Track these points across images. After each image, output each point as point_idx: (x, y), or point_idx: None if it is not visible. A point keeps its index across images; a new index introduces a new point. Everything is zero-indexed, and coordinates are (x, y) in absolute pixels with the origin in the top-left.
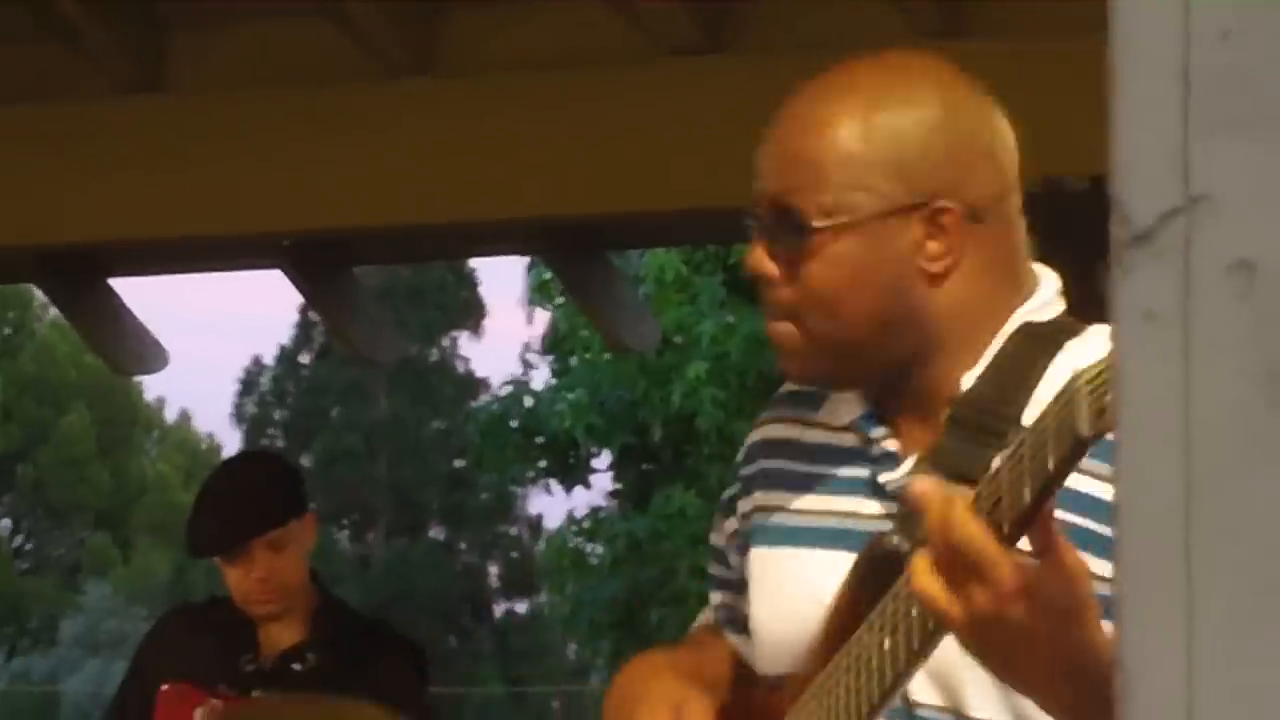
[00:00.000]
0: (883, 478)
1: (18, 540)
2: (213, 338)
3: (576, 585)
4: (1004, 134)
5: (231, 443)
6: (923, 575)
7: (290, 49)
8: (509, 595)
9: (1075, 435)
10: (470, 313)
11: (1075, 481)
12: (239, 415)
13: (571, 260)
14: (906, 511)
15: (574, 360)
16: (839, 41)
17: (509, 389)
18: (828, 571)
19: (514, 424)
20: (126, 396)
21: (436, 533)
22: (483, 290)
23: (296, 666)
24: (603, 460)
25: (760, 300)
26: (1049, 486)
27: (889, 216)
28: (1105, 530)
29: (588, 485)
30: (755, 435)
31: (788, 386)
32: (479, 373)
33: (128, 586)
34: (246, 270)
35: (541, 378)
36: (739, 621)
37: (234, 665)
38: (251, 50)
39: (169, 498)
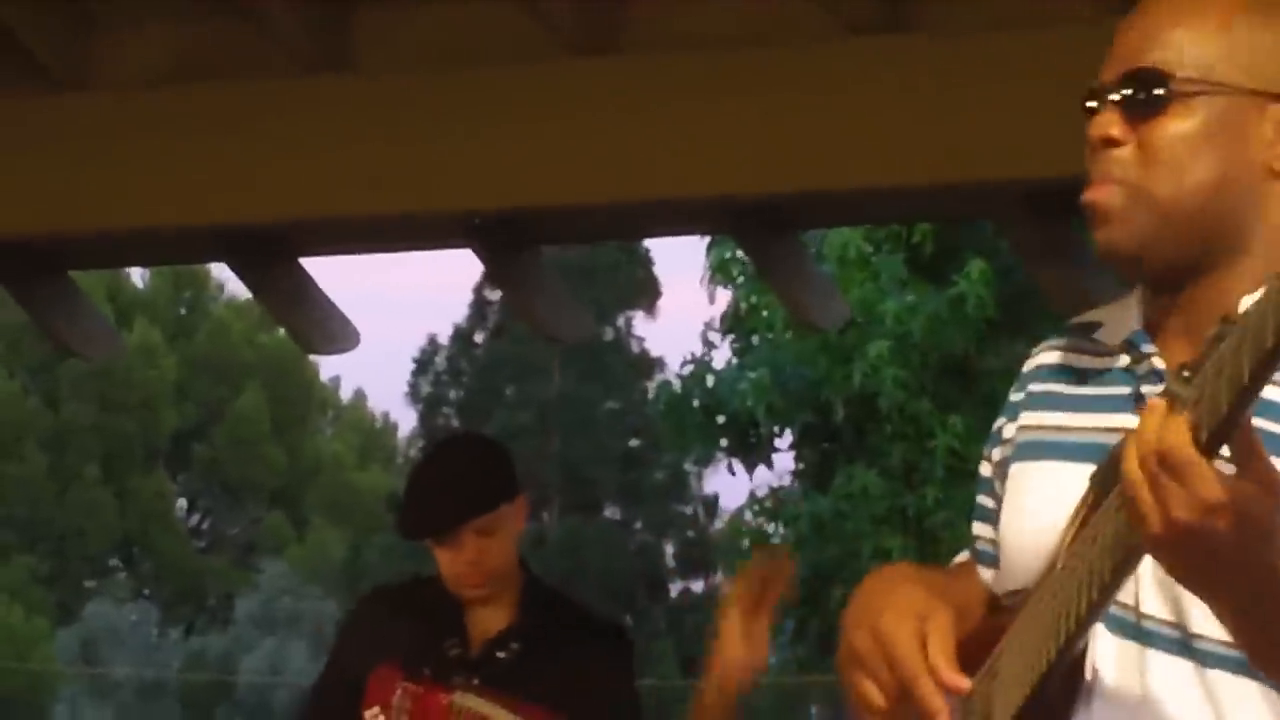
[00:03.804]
0: (1146, 390)
1: (194, 519)
2: (385, 317)
3: None
4: None
5: (406, 422)
6: (1132, 475)
7: (474, 27)
8: (685, 574)
9: (1265, 343)
10: (644, 292)
11: (1271, 391)
12: (414, 394)
13: (760, 239)
14: None
15: (755, 339)
16: (1016, 21)
17: (690, 368)
18: (1080, 484)
19: (695, 403)
20: (301, 376)
21: (611, 511)
22: (657, 269)
23: (501, 655)
24: (784, 439)
25: (1092, 169)
26: (1246, 395)
27: (1247, 101)
28: None
29: (769, 464)
30: (1030, 363)
31: (1074, 320)
32: (653, 352)
33: (303, 565)
34: (435, 249)
35: (721, 357)
36: (993, 555)
37: (440, 649)
38: (436, 28)
39: (343, 477)
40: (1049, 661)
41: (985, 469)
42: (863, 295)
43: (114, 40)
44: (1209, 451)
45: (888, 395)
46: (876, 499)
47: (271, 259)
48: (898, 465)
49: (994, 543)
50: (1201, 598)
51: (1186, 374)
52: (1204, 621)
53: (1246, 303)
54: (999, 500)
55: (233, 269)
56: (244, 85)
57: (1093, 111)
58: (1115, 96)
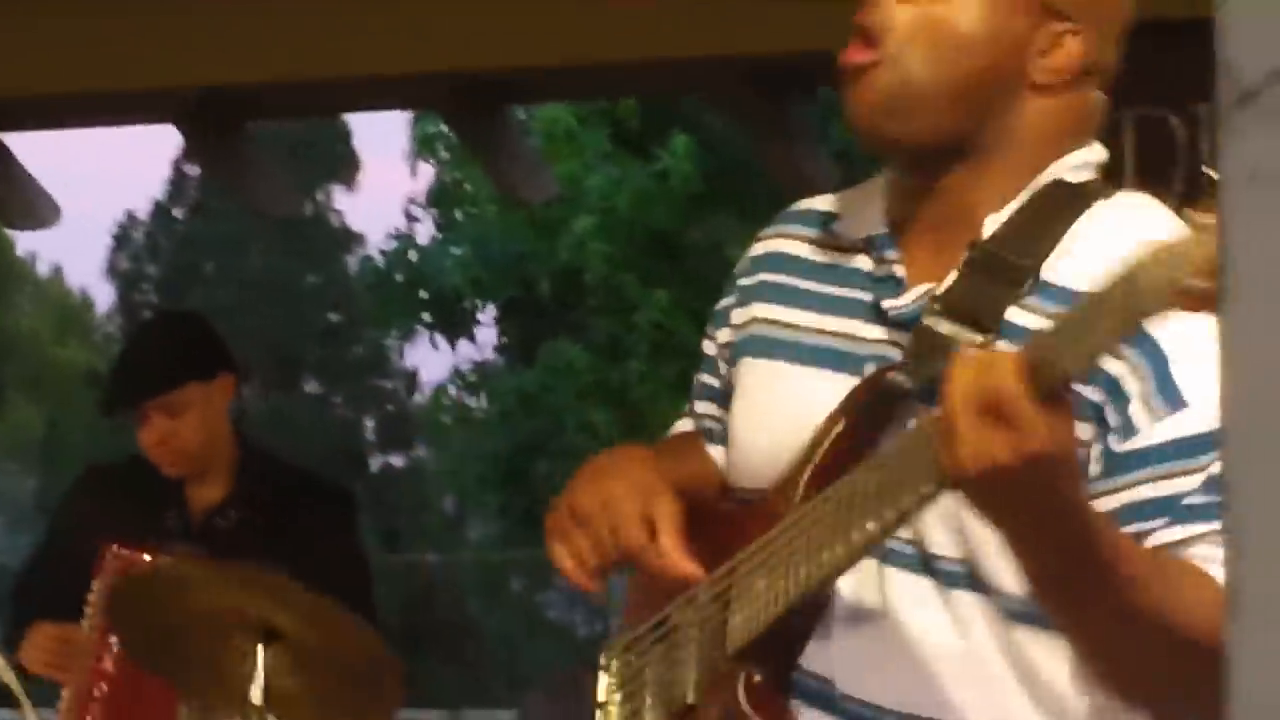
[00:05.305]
0: (886, 303)
1: None
2: (81, 192)
3: (462, 439)
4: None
5: (104, 297)
6: (960, 416)
7: None
8: (385, 449)
9: (1139, 313)
10: (344, 166)
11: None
12: (112, 270)
13: (469, 115)
14: (919, 350)
15: (459, 214)
16: None
17: (394, 243)
18: (816, 390)
19: (399, 278)
20: None
21: (312, 387)
22: (356, 143)
23: (220, 523)
24: (488, 314)
25: (860, 26)
26: (1095, 358)
27: (1030, 11)
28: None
29: (473, 339)
30: (759, 248)
31: (800, 204)
32: (354, 227)
33: (1, 443)
34: (140, 124)
35: (425, 232)
36: (720, 434)
37: (159, 522)
38: None
39: (41, 353)
40: (809, 584)
41: (709, 347)
42: (568, 170)
43: None
44: (1044, 402)
45: (593, 270)
46: (581, 373)
47: None
48: (603, 339)
49: (721, 421)
50: (1002, 531)
51: (938, 306)
52: (994, 557)
53: (990, 223)
54: (724, 381)
55: None
56: None
57: None
58: None
